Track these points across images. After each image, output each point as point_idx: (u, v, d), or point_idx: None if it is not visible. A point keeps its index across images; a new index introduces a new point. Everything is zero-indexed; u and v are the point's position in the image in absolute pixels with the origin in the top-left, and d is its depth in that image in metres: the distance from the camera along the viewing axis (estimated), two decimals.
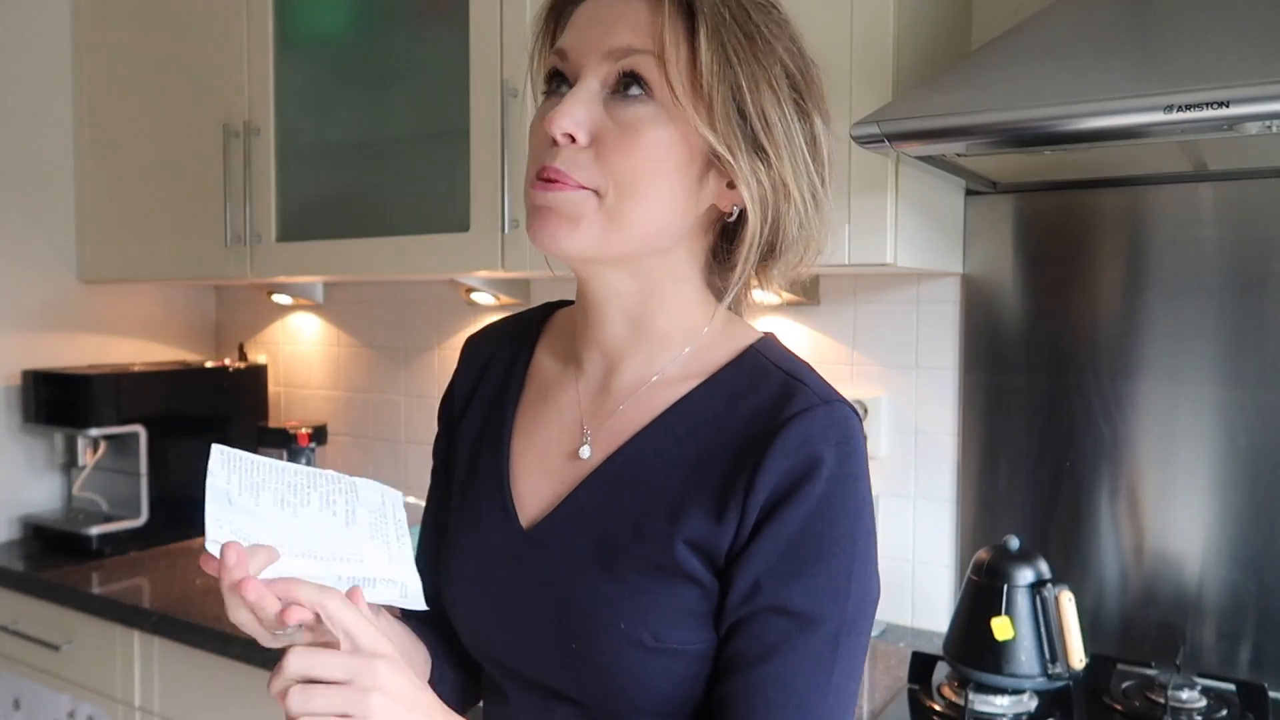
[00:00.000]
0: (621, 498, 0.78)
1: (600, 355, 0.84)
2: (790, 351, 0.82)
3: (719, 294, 0.82)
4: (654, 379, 0.81)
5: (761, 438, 0.74)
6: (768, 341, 0.82)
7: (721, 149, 0.72)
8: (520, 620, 0.80)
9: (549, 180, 0.73)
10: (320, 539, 0.71)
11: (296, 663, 0.64)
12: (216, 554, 0.66)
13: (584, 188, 0.73)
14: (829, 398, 0.76)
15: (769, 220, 0.76)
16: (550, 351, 0.90)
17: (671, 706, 0.76)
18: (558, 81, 0.76)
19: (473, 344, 0.96)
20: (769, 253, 0.78)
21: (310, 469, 0.76)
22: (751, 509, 0.73)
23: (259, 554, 0.67)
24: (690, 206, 0.76)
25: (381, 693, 0.64)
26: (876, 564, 0.77)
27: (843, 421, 0.75)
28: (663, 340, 0.81)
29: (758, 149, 0.73)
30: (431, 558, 0.92)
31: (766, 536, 0.73)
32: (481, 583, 0.83)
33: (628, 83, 0.72)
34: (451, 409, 0.94)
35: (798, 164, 0.75)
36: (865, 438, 0.77)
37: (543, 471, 0.83)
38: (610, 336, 0.82)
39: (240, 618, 0.68)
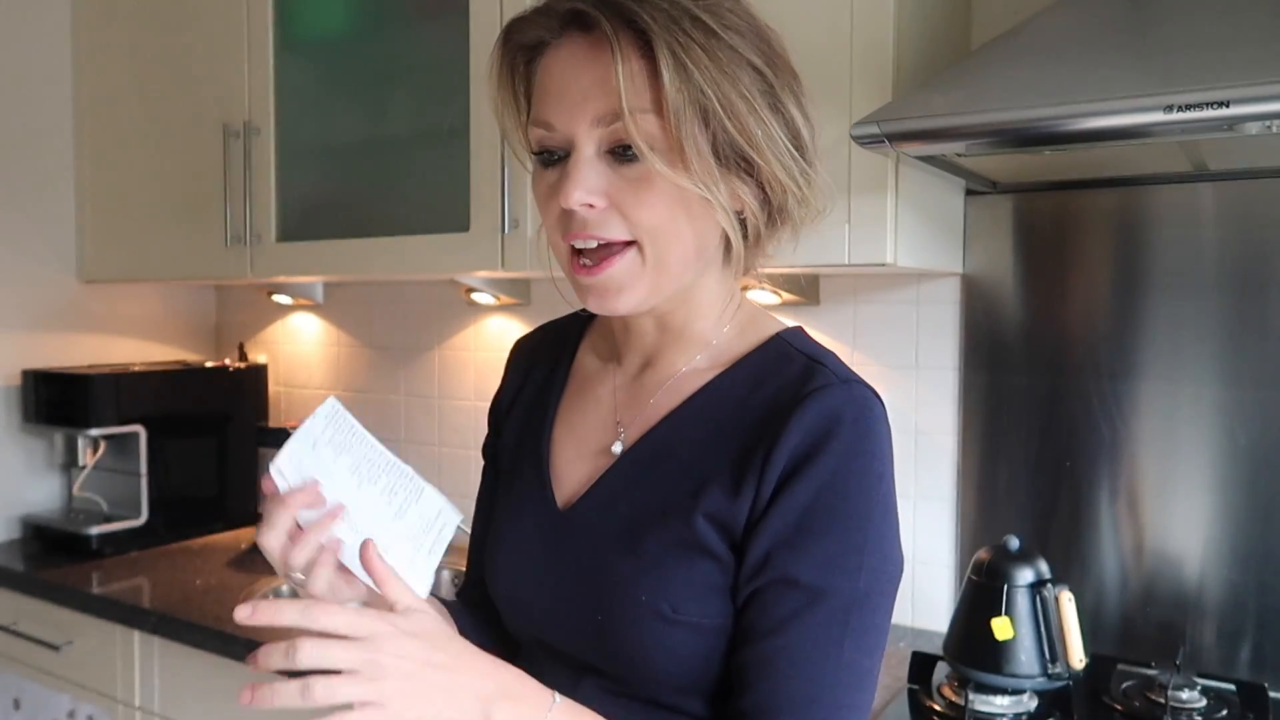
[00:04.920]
0: (649, 479, 0.82)
1: (636, 354, 0.89)
2: (816, 341, 0.86)
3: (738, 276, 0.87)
4: (684, 370, 0.85)
5: (779, 414, 0.77)
6: (794, 331, 0.86)
7: (698, 189, 0.74)
8: (553, 594, 0.84)
9: (591, 260, 0.76)
10: (365, 517, 0.75)
11: (308, 656, 0.66)
12: (276, 479, 0.73)
13: (618, 242, 0.76)
14: (848, 378, 0.79)
15: (768, 215, 0.79)
16: (592, 350, 0.95)
17: (693, 679, 0.79)
18: (548, 150, 0.78)
19: (519, 348, 1.02)
20: (778, 225, 0.81)
21: (394, 459, 0.79)
22: (767, 482, 0.76)
23: (305, 496, 0.74)
24: (716, 225, 0.79)
25: (392, 677, 0.66)
26: (897, 542, 0.78)
27: (860, 400, 0.77)
28: (693, 335, 0.85)
29: (742, 161, 0.76)
30: (479, 546, 0.98)
31: (779, 509, 0.75)
32: (520, 560, 0.88)
33: (623, 145, 0.74)
34: (499, 410, 1.00)
35: (783, 157, 0.77)
36: (889, 422, 0.79)
37: (579, 459, 0.88)
38: (645, 338, 0.87)
39: (270, 543, 0.74)
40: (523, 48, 0.80)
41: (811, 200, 0.80)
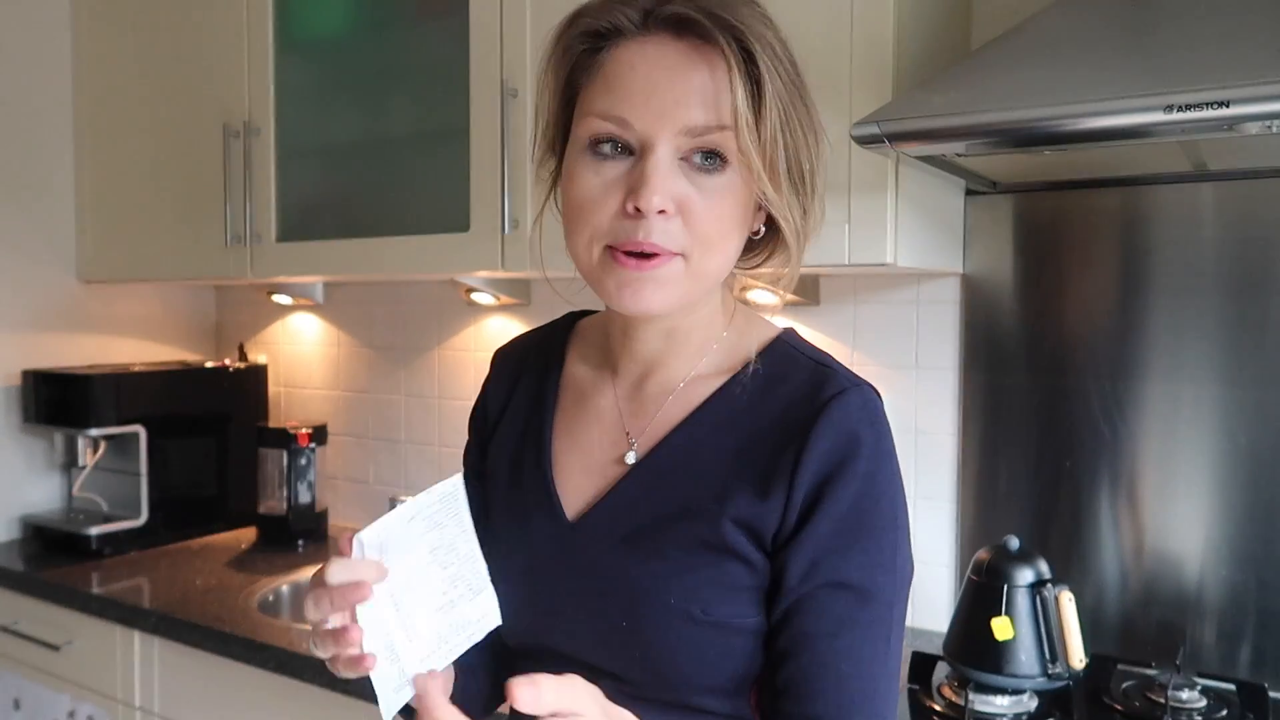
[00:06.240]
0: (666, 486, 0.83)
1: (635, 362, 0.88)
2: (810, 343, 0.88)
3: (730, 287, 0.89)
4: (689, 377, 0.86)
5: (802, 421, 0.79)
6: (791, 333, 0.88)
7: (782, 207, 0.77)
8: (569, 604, 0.84)
9: (642, 255, 0.76)
10: (414, 600, 0.74)
11: None
12: (355, 550, 0.71)
13: (676, 254, 0.76)
14: (857, 381, 0.81)
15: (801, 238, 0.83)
16: (582, 359, 0.94)
17: (719, 681, 0.80)
18: (612, 144, 0.76)
19: (502, 356, 1.01)
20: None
21: (476, 551, 0.79)
22: (799, 488, 0.77)
23: (369, 571, 0.71)
24: (742, 245, 0.82)
25: None
26: (910, 536, 0.82)
27: (873, 403, 0.81)
28: (694, 344, 0.86)
29: (796, 189, 0.79)
30: None
31: (819, 517, 0.77)
32: (530, 574, 0.87)
33: (706, 156, 0.76)
34: (484, 420, 0.98)
35: (819, 189, 0.81)
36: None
37: (585, 471, 0.87)
38: (646, 347, 0.87)
39: (314, 616, 0.72)
40: (590, 34, 0.78)
41: (818, 223, 0.83)
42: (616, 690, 0.81)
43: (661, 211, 0.74)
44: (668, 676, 0.80)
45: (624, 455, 0.86)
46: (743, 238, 0.81)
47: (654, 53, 0.75)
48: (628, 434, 0.87)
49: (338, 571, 0.70)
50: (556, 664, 0.85)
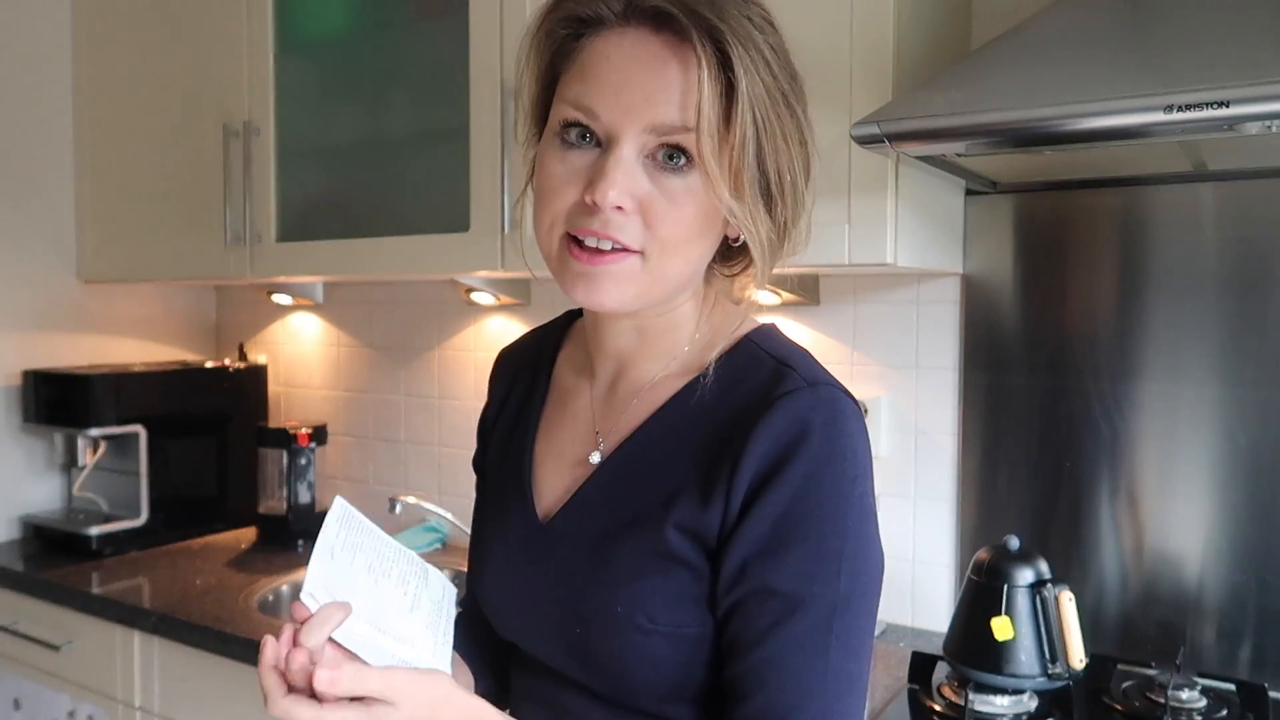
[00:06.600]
0: (624, 489, 0.81)
1: (609, 362, 0.87)
2: (787, 340, 0.84)
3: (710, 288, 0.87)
4: (659, 377, 0.84)
5: (747, 421, 0.76)
6: (764, 331, 0.85)
7: (744, 217, 0.75)
8: (534, 608, 0.84)
9: (597, 250, 0.74)
10: (388, 613, 0.74)
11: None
12: (308, 603, 0.70)
13: (630, 250, 0.75)
14: (816, 380, 0.77)
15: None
16: (569, 360, 0.94)
17: (673, 686, 0.78)
18: (580, 132, 0.75)
19: (503, 359, 1.02)
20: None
21: (399, 546, 0.80)
22: (736, 491, 0.75)
23: (337, 613, 0.70)
24: (713, 249, 0.80)
25: None
26: (877, 544, 0.77)
27: (829, 402, 0.76)
28: (666, 343, 0.85)
29: (768, 197, 0.76)
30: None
31: (752, 519, 0.74)
32: (504, 573, 0.87)
33: (670, 154, 0.74)
34: (486, 424, 0.99)
35: (800, 202, 0.78)
36: (863, 422, 0.78)
37: (558, 471, 0.87)
38: (618, 346, 0.86)
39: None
40: (572, 19, 0.77)
41: (802, 235, 0.81)
42: (584, 694, 0.82)
43: (619, 208, 0.73)
44: (623, 684, 0.78)
45: (590, 455, 0.85)
46: (711, 242, 0.79)
47: (630, 46, 0.74)
48: (596, 433, 0.86)
49: (314, 634, 0.69)
50: (535, 667, 0.86)
